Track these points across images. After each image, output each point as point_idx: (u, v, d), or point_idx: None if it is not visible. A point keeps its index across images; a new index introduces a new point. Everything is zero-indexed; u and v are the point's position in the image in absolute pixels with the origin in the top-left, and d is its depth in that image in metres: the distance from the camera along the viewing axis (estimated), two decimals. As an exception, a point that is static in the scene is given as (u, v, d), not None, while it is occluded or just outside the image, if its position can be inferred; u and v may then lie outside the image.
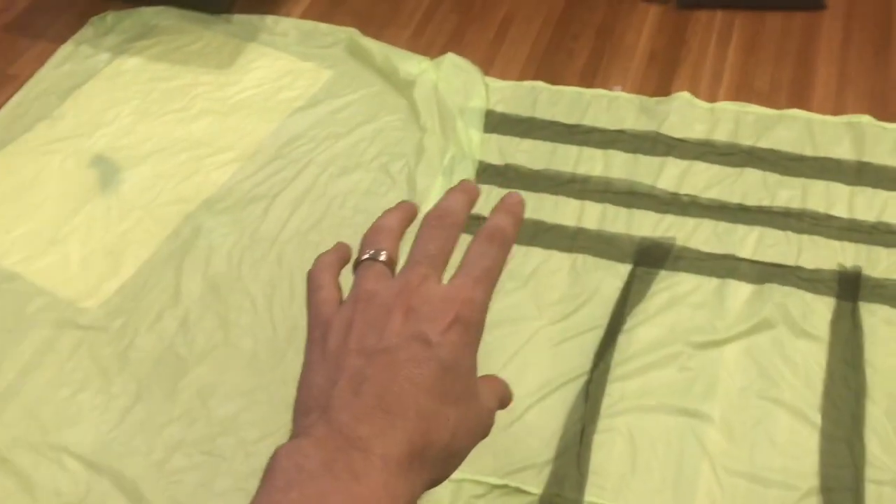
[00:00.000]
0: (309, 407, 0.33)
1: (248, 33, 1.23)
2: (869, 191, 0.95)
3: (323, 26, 1.22)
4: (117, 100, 1.16)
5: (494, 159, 1.03)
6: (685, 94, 1.06)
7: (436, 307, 0.35)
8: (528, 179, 1.00)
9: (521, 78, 1.13)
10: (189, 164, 1.06)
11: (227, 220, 0.99)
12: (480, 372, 0.82)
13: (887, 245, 0.90)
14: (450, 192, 0.42)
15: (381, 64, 1.14)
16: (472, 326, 0.35)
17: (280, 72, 1.17)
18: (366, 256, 0.39)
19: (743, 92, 1.07)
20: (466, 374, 0.35)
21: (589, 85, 1.11)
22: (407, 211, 0.42)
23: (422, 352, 0.33)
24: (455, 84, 1.11)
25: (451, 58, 1.13)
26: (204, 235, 0.98)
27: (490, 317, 0.87)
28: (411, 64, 1.13)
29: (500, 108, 1.09)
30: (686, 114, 1.04)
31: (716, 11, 1.18)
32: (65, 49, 1.24)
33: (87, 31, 1.26)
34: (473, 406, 0.35)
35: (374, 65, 1.15)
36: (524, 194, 0.94)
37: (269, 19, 1.24)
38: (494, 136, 1.06)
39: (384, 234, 0.40)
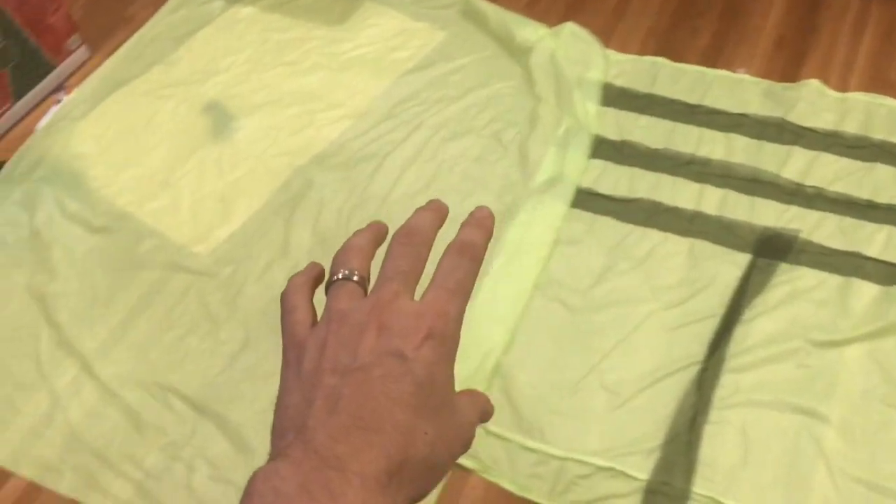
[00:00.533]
0: (285, 428, 0.33)
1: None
2: None
3: (438, -14, 1.19)
4: (231, 48, 1.16)
5: (611, 134, 1.00)
6: (814, 82, 1.01)
7: (408, 323, 0.34)
8: (645, 158, 0.97)
9: (641, 52, 1.09)
10: (300, 118, 1.06)
11: (337, 176, 0.99)
12: (591, 351, 0.82)
13: None
14: (419, 210, 0.41)
15: (497, 28, 1.12)
16: (446, 340, 0.34)
17: (393, 31, 1.16)
18: (337, 277, 0.38)
19: (877, 83, 1.02)
20: (442, 387, 0.34)
21: (712, 65, 1.07)
22: (377, 231, 0.42)
23: (396, 368, 0.32)
24: (573, 54, 1.08)
25: (570, 27, 1.10)
26: (315, 190, 0.98)
27: (602, 296, 0.87)
28: (528, 30, 1.10)
29: (618, 82, 1.06)
30: (815, 102, 1.00)
31: (851, -2, 1.12)
32: (180, -8, 1.25)
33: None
34: (451, 419, 0.34)
35: (489, 29, 1.13)
36: (641, 172, 0.94)
37: (384, -26, 1.22)
38: (612, 110, 1.03)
39: (354, 253, 0.39)
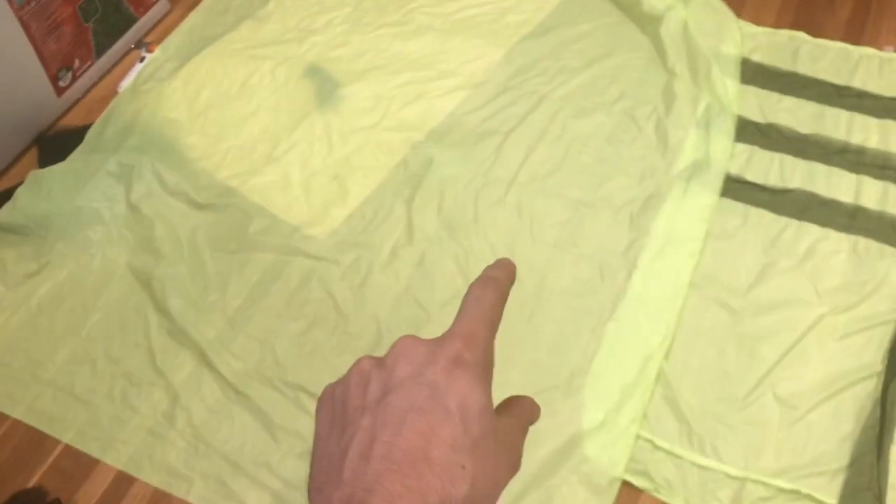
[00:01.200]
0: (322, 482, 0.31)
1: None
2: None
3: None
4: (327, 5, 1.07)
5: (754, 115, 0.93)
6: (975, 64, 0.94)
7: (434, 349, 0.33)
8: (794, 143, 0.90)
9: (776, 25, 1.01)
10: (411, 87, 0.97)
11: (458, 154, 0.91)
12: (758, 358, 0.76)
13: None
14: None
15: (621, -8, 1.03)
16: (478, 363, 0.33)
17: (505, -10, 1.07)
18: None
19: None
20: (478, 415, 0.31)
21: (855, 41, 0.99)
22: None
23: (425, 398, 0.31)
24: (706, 25, 1.00)
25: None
26: (435, 169, 0.90)
27: (764, 297, 0.80)
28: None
29: (755, 58, 0.98)
30: None
31: None
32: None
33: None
34: (491, 447, 0.32)
35: (611, -7, 1.04)
36: (791, 160, 0.87)
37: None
38: (752, 89, 0.95)
39: None
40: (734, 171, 0.89)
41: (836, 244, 0.83)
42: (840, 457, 0.71)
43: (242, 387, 0.76)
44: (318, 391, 0.74)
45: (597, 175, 0.89)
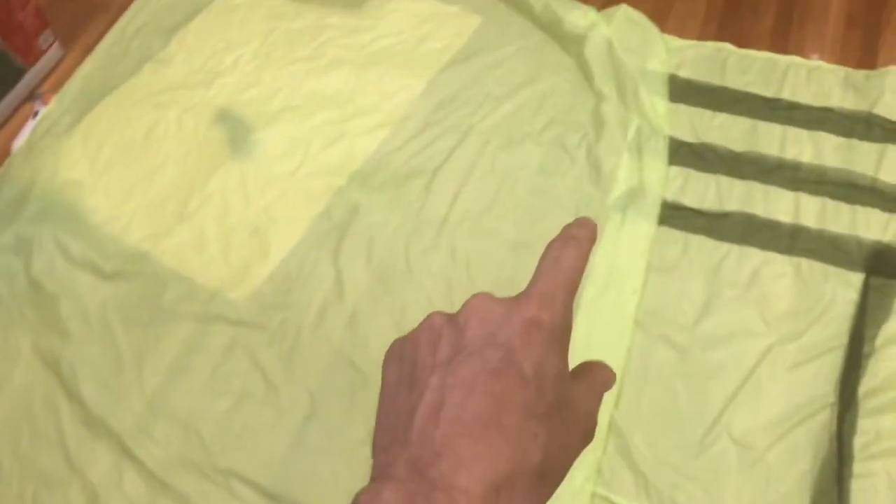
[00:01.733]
0: (388, 442, 0.30)
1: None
2: None
3: (465, -38, 1.05)
4: (233, 41, 1.00)
5: (687, 136, 0.90)
6: (897, 69, 0.93)
7: (510, 310, 0.31)
8: (729, 162, 0.88)
9: (701, 37, 0.99)
10: (329, 128, 0.92)
11: (384, 198, 0.86)
12: (710, 397, 0.72)
13: None
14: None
15: (541, 12, 0.99)
16: (555, 328, 0.31)
17: (420, 16, 1.02)
18: None
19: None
20: (554, 381, 0.30)
21: (781, 50, 0.97)
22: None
23: (500, 361, 0.29)
24: (630, 41, 0.96)
25: (624, 10, 0.99)
26: (361, 216, 0.85)
27: (711, 331, 0.77)
28: (577, 14, 0.98)
29: (683, 73, 0.95)
30: (903, 92, 0.91)
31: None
32: (160, -25, 1.07)
33: (184, -45, 1.09)
34: (567, 414, 0.31)
35: (531, 13, 1.00)
36: (727, 180, 0.84)
37: (400, -49, 1.07)
38: (682, 107, 0.93)
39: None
40: (670, 196, 0.86)
41: (779, 267, 0.80)
42: (801, 497, 0.69)
43: (168, 477, 0.70)
44: (252, 476, 0.70)
45: (531, 210, 0.85)
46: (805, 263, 0.80)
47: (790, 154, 0.88)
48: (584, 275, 0.79)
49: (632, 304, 0.78)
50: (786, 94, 0.93)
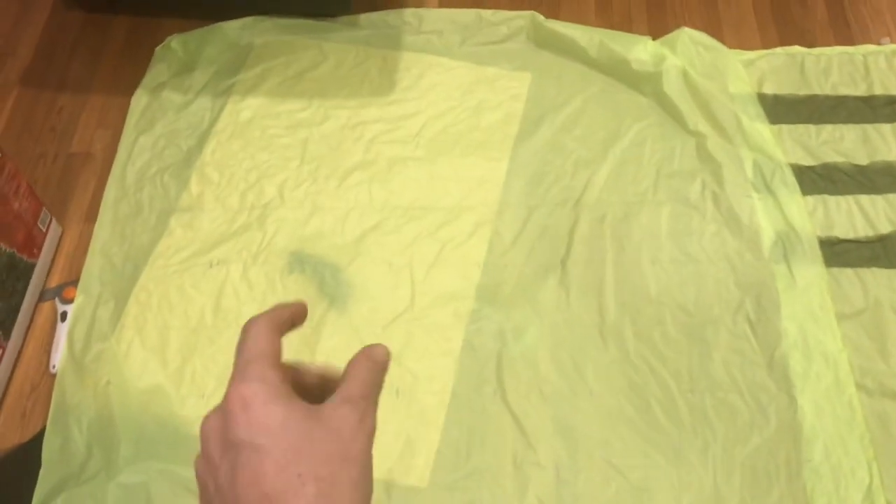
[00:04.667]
0: None
1: (388, 39, 0.93)
2: None
3: (487, 14, 0.94)
4: (266, 165, 0.84)
5: (802, 158, 0.83)
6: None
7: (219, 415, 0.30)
8: (859, 178, 0.82)
9: (765, 45, 0.92)
10: (426, 243, 0.79)
11: (524, 308, 0.75)
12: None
13: None
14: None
15: (597, 55, 0.89)
16: (257, 392, 0.29)
17: (462, 86, 0.90)
18: None
19: None
20: (263, 405, 0.29)
21: (846, 39, 0.92)
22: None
23: (223, 451, 0.29)
24: (704, 66, 0.88)
25: (687, 33, 0.90)
26: (509, 337, 0.73)
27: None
28: (639, 49, 0.89)
29: (768, 89, 0.88)
30: None
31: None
32: (139, 101, 0.89)
33: (158, 71, 0.91)
34: (307, 427, 0.29)
35: (585, 57, 0.90)
36: (867, 199, 0.79)
37: (409, 14, 0.94)
38: (785, 127, 0.85)
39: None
40: (819, 231, 0.78)
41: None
42: None
43: None
44: None
45: (683, 282, 0.76)
46: None
47: (917, 155, 0.83)
48: (776, 354, 0.71)
49: (845, 367, 0.71)
50: (878, 90, 0.87)
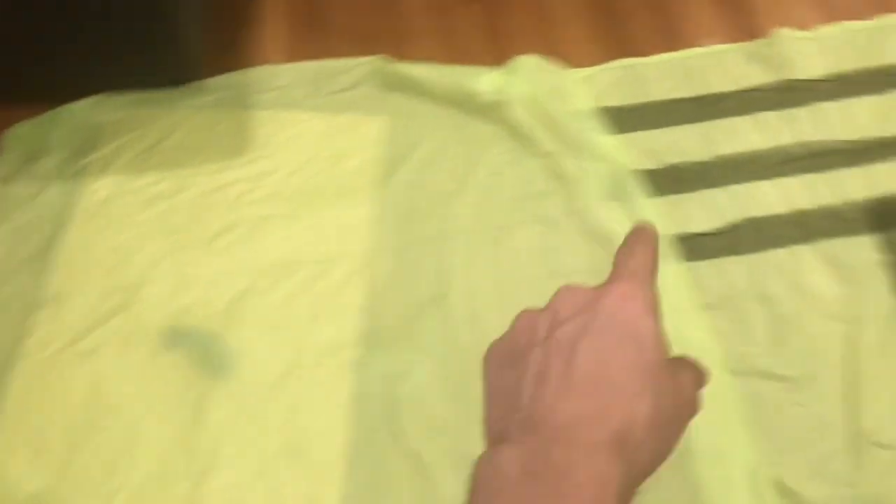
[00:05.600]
0: (498, 416, 0.32)
1: (238, 100, 0.93)
2: None
3: (334, 63, 0.95)
4: (128, 245, 0.83)
5: (650, 163, 0.88)
6: (786, 30, 0.96)
7: (598, 290, 0.33)
8: (703, 175, 0.87)
9: (601, 60, 0.96)
10: (301, 298, 0.79)
11: (406, 352, 0.76)
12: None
13: None
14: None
15: (444, 90, 0.92)
16: (646, 298, 0.33)
17: (318, 136, 0.90)
18: None
19: (827, 9, 1.00)
20: (650, 340, 0.31)
21: (674, 46, 0.97)
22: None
23: (596, 324, 0.31)
24: (546, 89, 0.92)
25: (526, 59, 0.94)
26: (397, 381, 0.74)
27: (796, 345, 0.76)
28: (482, 80, 0.92)
29: (609, 102, 0.93)
30: (803, 50, 0.95)
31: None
32: (-15, 194, 0.86)
33: (7, 159, 0.88)
34: (670, 377, 0.32)
35: (434, 93, 0.93)
36: (713, 193, 0.84)
37: (257, 72, 0.95)
38: (629, 136, 0.90)
39: None
40: (675, 230, 0.83)
41: (812, 258, 0.81)
42: None
43: None
44: None
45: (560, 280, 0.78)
46: (835, 244, 0.81)
47: (752, 146, 0.88)
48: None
49: (717, 355, 0.75)
50: (713, 88, 0.93)
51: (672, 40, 0.98)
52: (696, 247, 0.82)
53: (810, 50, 0.95)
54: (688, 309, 0.77)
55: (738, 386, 0.73)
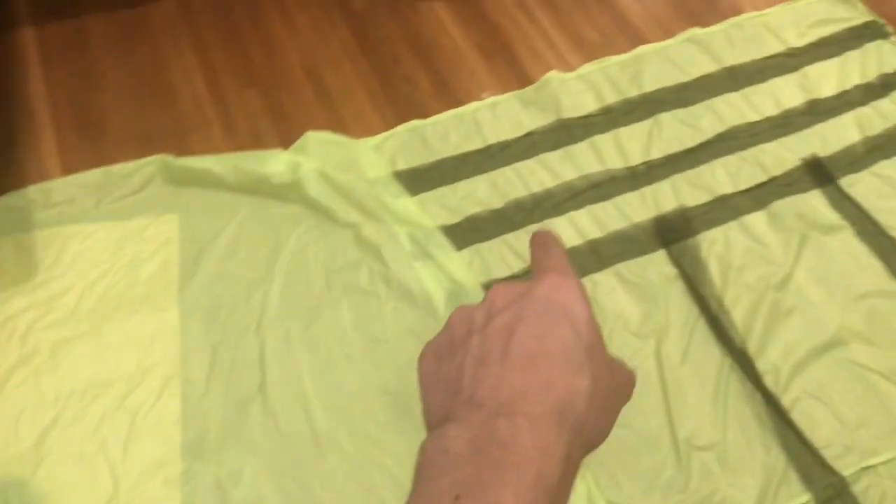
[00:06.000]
0: (439, 402, 0.32)
1: (16, 223, 0.88)
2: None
3: (116, 168, 0.92)
4: None
5: (449, 218, 0.90)
6: (553, 74, 1.03)
7: (529, 284, 0.34)
8: (499, 222, 0.90)
9: (387, 126, 0.99)
10: (113, 419, 0.75)
11: (233, 454, 0.73)
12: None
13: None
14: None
15: (235, 178, 0.91)
16: (575, 285, 0.34)
17: (109, 246, 0.87)
18: None
19: (584, 49, 1.07)
20: (587, 323, 0.32)
21: (457, 104, 1.01)
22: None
23: (531, 311, 0.32)
24: (338, 162, 0.93)
25: (313, 136, 0.94)
26: (227, 487, 0.71)
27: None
28: (272, 163, 0.92)
29: (401, 166, 0.95)
30: (570, 90, 1.02)
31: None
32: None
33: None
34: (605, 359, 0.33)
35: (224, 183, 0.91)
36: (512, 237, 0.88)
37: (33, 191, 0.90)
38: (425, 195, 0.92)
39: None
40: (482, 279, 0.85)
41: (606, 281, 0.85)
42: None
43: None
44: None
45: (379, 367, 0.79)
46: (629, 266, 0.86)
47: (536, 187, 0.93)
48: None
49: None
50: (491, 139, 0.97)
51: (452, 98, 1.02)
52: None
53: (577, 89, 1.02)
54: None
55: (564, 418, 0.75)
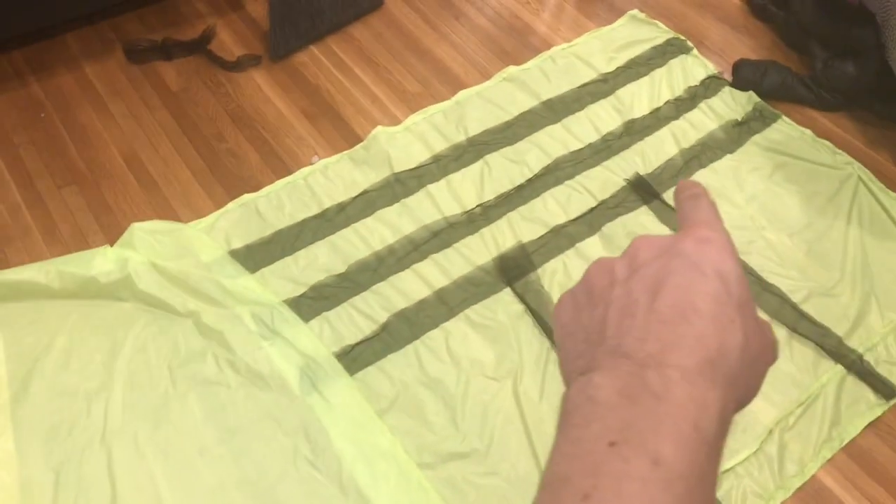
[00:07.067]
0: (580, 352, 0.31)
1: None
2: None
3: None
4: None
5: (293, 291, 0.89)
6: (380, 129, 1.04)
7: (674, 237, 0.34)
8: (347, 286, 0.89)
9: (218, 205, 0.96)
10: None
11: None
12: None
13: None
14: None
15: (60, 284, 0.86)
16: (724, 241, 0.33)
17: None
18: None
19: (407, 100, 1.09)
20: (736, 281, 0.32)
21: (287, 172, 1.00)
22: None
23: (678, 265, 0.31)
24: (168, 251, 0.90)
25: (139, 227, 0.91)
26: None
27: (483, 428, 0.79)
28: (98, 262, 0.87)
29: (236, 244, 0.92)
30: (399, 143, 1.02)
31: (309, 48, 1.15)
32: None
33: None
34: (755, 315, 0.33)
35: (49, 291, 0.86)
36: (358, 299, 0.87)
37: None
38: (266, 271, 0.90)
39: None
40: (333, 347, 0.84)
41: (461, 330, 0.85)
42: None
43: None
44: None
45: (236, 458, 0.76)
46: (477, 309, 0.87)
47: (379, 243, 0.93)
48: (344, 464, 0.75)
49: (403, 456, 0.76)
50: (326, 202, 0.97)
51: (282, 167, 1.01)
52: (358, 357, 0.83)
53: (405, 141, 1.03)
54: (367, 421, 0.78)
55: (431, 478, 0.75)
